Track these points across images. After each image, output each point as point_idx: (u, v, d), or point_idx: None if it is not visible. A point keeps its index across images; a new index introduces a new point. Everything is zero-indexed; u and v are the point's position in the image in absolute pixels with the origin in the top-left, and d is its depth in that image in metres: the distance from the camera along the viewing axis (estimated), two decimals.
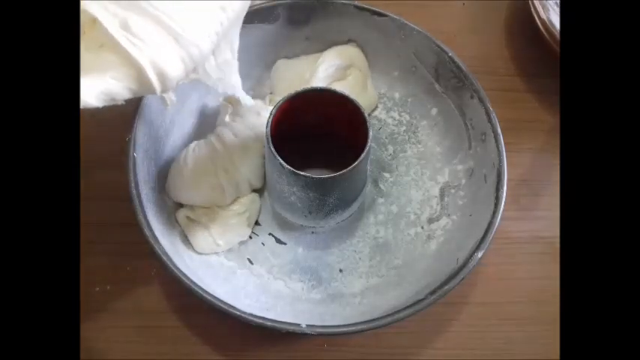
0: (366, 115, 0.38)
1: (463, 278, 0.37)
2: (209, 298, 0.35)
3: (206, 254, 0.42)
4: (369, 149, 0.37)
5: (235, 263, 0.42)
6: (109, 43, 0.28)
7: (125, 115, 0.41)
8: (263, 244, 0.43)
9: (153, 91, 0.29)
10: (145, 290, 0.41)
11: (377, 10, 0.46)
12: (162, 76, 0.28)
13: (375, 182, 0.46)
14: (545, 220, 0.46)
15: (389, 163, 0.47)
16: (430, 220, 0.44)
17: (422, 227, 0.44)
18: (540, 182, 0.48)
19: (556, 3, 0.50)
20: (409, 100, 0.49)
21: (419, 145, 0.48)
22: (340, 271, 0.42)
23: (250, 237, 0.43)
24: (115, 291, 0.41)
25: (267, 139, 0.37)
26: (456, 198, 0.44)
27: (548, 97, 0.51)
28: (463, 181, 0.44)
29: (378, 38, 0.47)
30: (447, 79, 0.46)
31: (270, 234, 0.44)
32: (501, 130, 0.42)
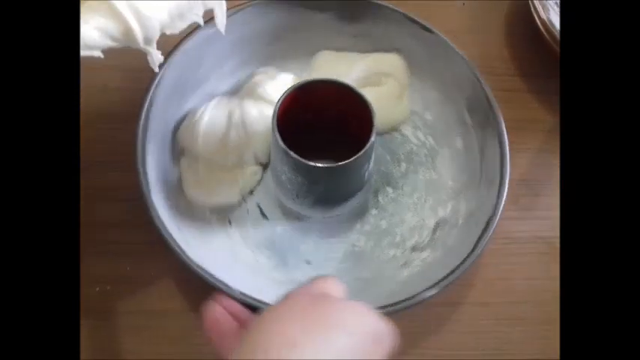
0: (373, 117, 0.38)
1: (405, 307, 0.37)
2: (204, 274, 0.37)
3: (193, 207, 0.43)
4: (366, 153, 0.37)
5: (216, 219, 0.43)
6: None
7: (125, 115, 0.41)
8: (248, 211, 0.44)
9: (135, 43, 0.29)
10: (145, 290, 0.41)
11: (425, 24, 0.46)
12: (147, 30, 0.28)
13: (376, 193, 0.45)
14: (545, 220, 0.46)
15: (396, 180, 0.46)
16: (414, 248, 0.43)
17: (402, 252, 0.43)
18: (540, 182, 0.48)
19: (556, 3, 0.50)
20: (439, 125, 0.48)
21: (433, 172, 0.46)
22: (307, 262, 0.42)
23: (239, 203, 0.44)
24: (115, 291, 0.41)
25: (274, 112, 0.38)
26: (448, 236, 0.43)
27: (548, 97, 0.51)
28: (460, 222, 0.43)
29: (422, 53, 0.47)
30: (477, 113, 0.45)
31: (257, 205, 0.44)
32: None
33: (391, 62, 0.48)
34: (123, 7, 0.28)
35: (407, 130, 0.48)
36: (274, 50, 0.48)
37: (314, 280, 0.30)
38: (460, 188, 0.45)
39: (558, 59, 0.45)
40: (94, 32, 0.28)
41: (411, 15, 0.46)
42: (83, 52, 0.28)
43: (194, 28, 0.41)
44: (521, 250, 0.44)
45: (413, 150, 0.47)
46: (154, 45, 0.32)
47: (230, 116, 0.44)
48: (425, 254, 0.43)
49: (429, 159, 0.47)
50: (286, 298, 0.28)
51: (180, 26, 0.32)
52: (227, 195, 0.44)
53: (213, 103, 0.45)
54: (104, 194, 0.41)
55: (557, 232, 0.44)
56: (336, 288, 0.29)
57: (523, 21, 0.53)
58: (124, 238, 0.42)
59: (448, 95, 0.47)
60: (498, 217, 0.40)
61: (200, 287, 0.41)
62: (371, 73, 0.47)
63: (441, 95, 0.48)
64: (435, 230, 0.44)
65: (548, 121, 0.50)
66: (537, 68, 0.52)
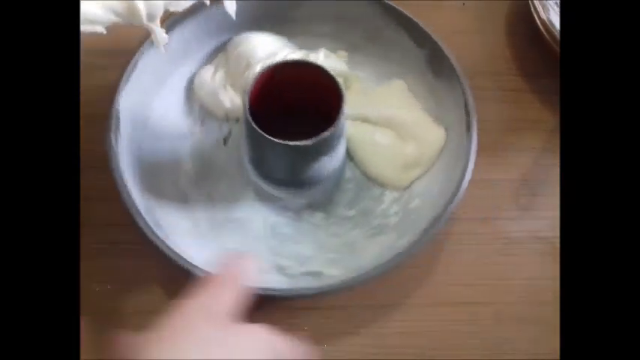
0: (343, 101, 0.38)
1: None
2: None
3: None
4: (325, 140, 0.37)
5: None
6: None
7: None
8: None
9: (139, 20, 0.29)
10: (145, 290, 0.41)
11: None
12: (151, 8, 0.29)
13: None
14: (545, 220, 0.45)
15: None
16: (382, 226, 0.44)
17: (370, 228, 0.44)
18: (540, 182, 0.48)
19: (556, 3, 0.50)
20: None
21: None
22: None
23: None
24: (115, 291, 0.41)
25: (246, 92, 0.38)
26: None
27: (548, 97, 0.51)
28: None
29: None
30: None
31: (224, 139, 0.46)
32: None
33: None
34: None
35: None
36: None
37: (229, 258, 0.30)
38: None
39: (558, 59, 0.45)
40: (97, 8, 0.28)
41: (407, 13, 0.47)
42: (85, 28, 0.28)
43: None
44: (521, 250, 0.44)
45: None
46: (158, 22, 0.32)
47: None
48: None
49: None
50: (180, 313, 0.27)
51: (184, 4, 0.32)
52: None
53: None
54: (104, 194, 0.41)
55: (557, 232, 0.44)
56: (250, 269, 0.30)
57: (523, 21, 0.53)
58: (124, 238, 0.42)
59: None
60: (472, 160, 0.41)
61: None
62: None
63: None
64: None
65: (548, 121, 0.50)
66: (538, 68, 0.52)
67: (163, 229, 0.40)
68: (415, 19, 0.46)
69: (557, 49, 0.48)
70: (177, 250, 0.38)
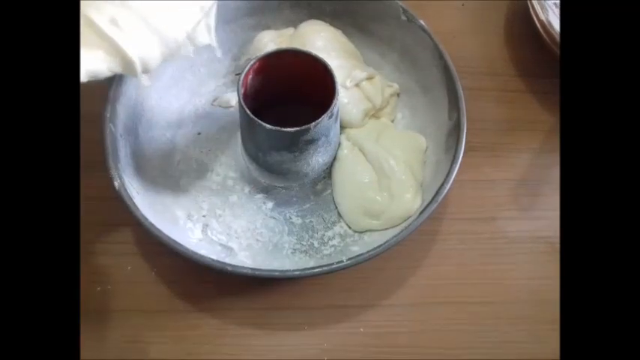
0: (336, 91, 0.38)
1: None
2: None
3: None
4: (311, 128, 0.37)
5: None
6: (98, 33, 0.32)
7: None
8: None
9: (134, 73, 0.34)
10: (145, 290, 0.41)
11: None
12: (144, 64, 0.34)
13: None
14: (545, 220, 0.46)
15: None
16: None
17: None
18: (540, 182, 0.48)
19: (555, 4, 0.50)
20: None
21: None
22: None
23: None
24: (115, 291, 0.41)
25: (239, 79, 0.38)
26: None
27: (548, 97, 0.51)
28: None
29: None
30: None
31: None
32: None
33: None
34: (128, 48, 0.33)
35: None
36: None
37: None
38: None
39: (557, 60, 0.45)
40: (99, 63, 0.32)
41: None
42: (85, 78, 0.31)
43: None
44: (521, 250, 0.44)
45: None
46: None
47: None
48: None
49: None
50: None
51: (173, 59, 0.36)
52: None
53: None
54: (104, 194, 0.41)
55: (557, 232, 0.44)
56: None
57: (522, 22, 0.53)
58: (123, 238, 0.42)
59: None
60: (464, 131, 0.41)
61: (200, 287, 0.41)
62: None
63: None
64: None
65: (547, 121, 0.50)
66: (537, 68, 0.52)
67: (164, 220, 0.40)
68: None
69: (556, 49, 0.48)
70: (185, 244, 0.38)
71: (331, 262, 0.38)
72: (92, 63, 0.31)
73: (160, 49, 0.34)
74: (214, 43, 0.38)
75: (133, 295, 0.41)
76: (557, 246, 0.44)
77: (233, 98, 0.47)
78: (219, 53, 0.39)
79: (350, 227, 0.43)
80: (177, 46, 0.35)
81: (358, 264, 0.37)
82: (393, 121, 0.48)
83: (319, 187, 0.45)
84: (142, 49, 0.33)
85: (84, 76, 0.31)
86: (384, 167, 0.42)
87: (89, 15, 0.32)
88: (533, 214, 0.46)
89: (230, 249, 0.41)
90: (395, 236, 0.38)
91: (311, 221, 0.44)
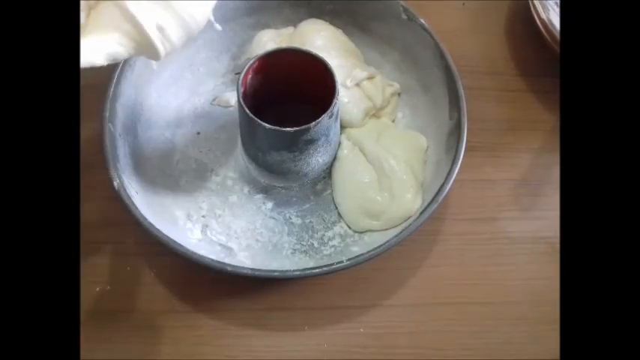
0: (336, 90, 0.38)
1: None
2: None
3: None
4: (311, 128, 0.37)
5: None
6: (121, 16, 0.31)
7: None
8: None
9: (156, 56, 0.33)
10: (145, 290, 0.41)
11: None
12: (167, 44, 0.33)
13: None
14: (545, 220, 0.46)
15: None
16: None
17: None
18: (541, 182, 0.48)
19: (556, 3, 0.50)
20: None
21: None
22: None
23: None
24: (115, 291, 0.41)
25: (239, 79, 0.38)
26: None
27: (549, 96, 0.51)
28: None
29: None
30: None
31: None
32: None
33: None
34: (152, 31, 0.32)
35: None
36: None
37: None
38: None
39: (558, 59, 0.45)
40: (117, 46, 0.31)
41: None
42: (104, 62, 0.31)
43: None
44: (521, 250, 0.44)
45: None
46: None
47: None
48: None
49: None
50: None
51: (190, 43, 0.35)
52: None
53: None
54: (104, 194, 0.41)
55: (557, 232, 0.44)
56: None
57: (523, 21, 0.53)
58: (123, 238, 0.42)
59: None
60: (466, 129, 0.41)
61: (199, 287, 0.41)
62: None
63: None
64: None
65: (548, 120, 0.50)
66: (538, 68, 0.52)
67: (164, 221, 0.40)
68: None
69: (557, 49, 0.48)
70: (185, 244, 0.37)
71: (331, 262, 0.37)
72: (112, 46, 0.31)
73: (181, 32, 0.33)
74: (211, 17, 0.37)
75: (133, 296, 0.41)
76: (557, 246, 0.44)
77: (232, 97, 0.47)
78: (218, 27, 0.37)
79: (350, 227, 0.43)
80: (197, 30, 0.34)
81: (358, 264, 0.37)
82: (393, 120, 0.48)
83: (319, 187, 0.45)
84: (165, 31, 0.32)
85: (104, 59, 0.30)
86: (385, 167, 0.42)
87: None
88: (534, 215, 0.46)
89: (230, 249, 0.41)
90: (395, 236, 0.38)
91: (311, 221, 0.44)
